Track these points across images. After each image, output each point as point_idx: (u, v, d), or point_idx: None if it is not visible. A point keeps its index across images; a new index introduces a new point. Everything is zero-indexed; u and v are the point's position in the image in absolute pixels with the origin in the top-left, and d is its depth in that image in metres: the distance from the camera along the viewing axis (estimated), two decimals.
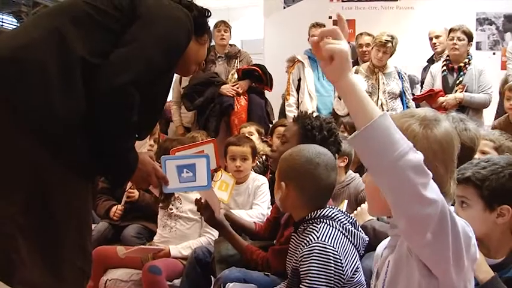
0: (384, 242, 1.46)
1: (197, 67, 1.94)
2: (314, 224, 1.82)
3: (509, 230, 1.61)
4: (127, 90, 1.46)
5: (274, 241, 2.35)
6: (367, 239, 1.90)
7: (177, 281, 2.74)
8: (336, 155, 2.30)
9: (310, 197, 1.87)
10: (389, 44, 4.49)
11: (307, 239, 1.76)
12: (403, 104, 4.62)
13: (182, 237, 2.94)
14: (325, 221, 1.81)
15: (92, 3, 1.57)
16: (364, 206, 2.46)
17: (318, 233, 1.75)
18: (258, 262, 2.24)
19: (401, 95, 4.63)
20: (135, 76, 1.48)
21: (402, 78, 4.66)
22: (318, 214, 1.84)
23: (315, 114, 2.39)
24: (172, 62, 1.65)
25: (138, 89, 1.49)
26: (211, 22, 5.29)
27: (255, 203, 3.20)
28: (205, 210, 2.34)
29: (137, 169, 1.65)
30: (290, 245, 1.95)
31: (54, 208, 1.47)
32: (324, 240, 1.72)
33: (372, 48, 4.64)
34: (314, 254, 1.68)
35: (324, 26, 5.05)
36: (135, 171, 1.65)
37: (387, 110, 4.42)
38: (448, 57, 4.54)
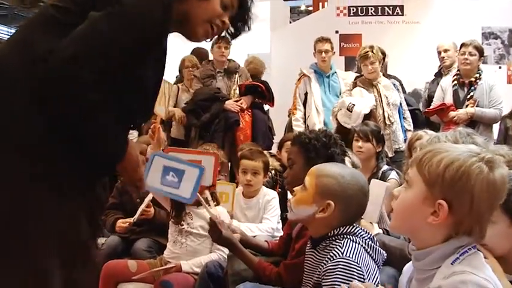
0: (408, 271, 1.45)
1: (210, 29, 1.62)
2: (337, 241, 1.82)
3: None
4: (71, 65, 1.32)
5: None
6: (385, 254, 1.89)
7: None
8: (343, 156, 2.37)
9: (347, 220, 1.86)
10: (370, 53, 4.46)
11: (331, 254, 1.76)
12: (399, 114, 4.60)
13: (193, 253, 2.90)
14: (348, 237, 1.81)
15: (55, 4, 1.48)
16: (363, 222, 2.45)
17: (342, 248, 1.75)
18: (271, 278, 2.23)
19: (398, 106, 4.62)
20: (78, 50, 1.34)
21: (398, 89, 4.66)
22: (341, 231, 1.84)
23: (307, 131, 2.49)
24: (144, 32, 1.43)
25: (91, 65, 1.34)
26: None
27: (264, 217, 3.20)
28: (213, 230, 2.32)
29: (128, 153, 1.51)
30: (308, 262, 1.94)
31: (24, 227, 1.33)
32: (349, 256, 1.72)
33: (360, 65, 4.62)
34: (338, 269, 1.69)
35: (330, 40, 5.10)
36: (125, 152, 1.49)
37: (392, 123, 4.42)
38: (458, 72, 4.55)
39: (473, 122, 4.29)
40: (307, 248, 1.97)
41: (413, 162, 1.32)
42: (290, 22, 7.06)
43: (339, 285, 1.62)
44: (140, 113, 1.63)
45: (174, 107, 5.29)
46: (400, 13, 6.59)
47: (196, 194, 1.73)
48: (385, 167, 3.45)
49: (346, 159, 3.09)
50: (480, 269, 1.19)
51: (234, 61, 5.31)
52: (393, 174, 3.34)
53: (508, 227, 1.57)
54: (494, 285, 1.17)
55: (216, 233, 2.30)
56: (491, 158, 1.23)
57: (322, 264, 1.77)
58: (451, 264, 1.20)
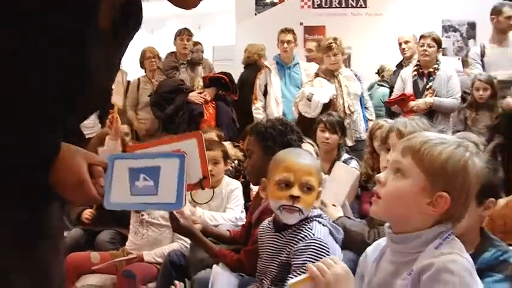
0: (375, 250, 1.44)
1: None
2: (305, 224, 1.88)
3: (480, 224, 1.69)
4: None
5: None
6: (342, 235, 1.97)
7: (151, 285, 2.74)
8: (300, 143, 2.41)
9: None
10: (334, 45, 4.53)
11: (301, 235, 1.82)
12: (361, 104, 4.67)
13: (154, 244, 2.92)
14: (317, 219, 1.89)
15: None
16: (329, 205, 2.49)
17: (312, 230, 1.83)
18: (231, 264, 2.26)
19: (360, 96, 4.69)
20: None
21: (359, 79, 4.73)
22: (309, 215, 1.89)
23: (264, 120, 2.57)
24: None
25: None
26: (180, 27, 5.34)
27: (228, 207, 3.21)
28: (172, 220, 2.32)
29: (60, 161, 1.12)
30: (269, 246, 1.95)
31: None
32: (320, 238, 1.81)
33: (323, 57, 4.67)
34: (311, 249, 1.77)
35: (293, 31, 5.15)
36: (57, 152, 1.13)
37: (352, 112, 4.48)
38: (418, 63, 4.65)
39: (431, 111, 4.39)
40: (266, 231, 1.99)
41: (406, 151, 1.29)
42: (255, 14, 7.06)
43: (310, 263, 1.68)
44: (64, 95, 1.18)
45: (137, 100, 5.26)
46: (363, 5, 6.69)
47: (185, 194, 1.24)
48: (345, 156, 3.53)
49: (310, 147, 3.15)
50: (462, 251, 1.24)
51: (197, 53, 5.32)
52: (353, 163, 3.41)
53: (473, 206, 1.63)
54: (472, 266, 1.22)
55: (175, 222, 2.32)
56: (474, 149, 1.28)
57: (291, 245, 1.83)
58: (435, 249, 1.23)
